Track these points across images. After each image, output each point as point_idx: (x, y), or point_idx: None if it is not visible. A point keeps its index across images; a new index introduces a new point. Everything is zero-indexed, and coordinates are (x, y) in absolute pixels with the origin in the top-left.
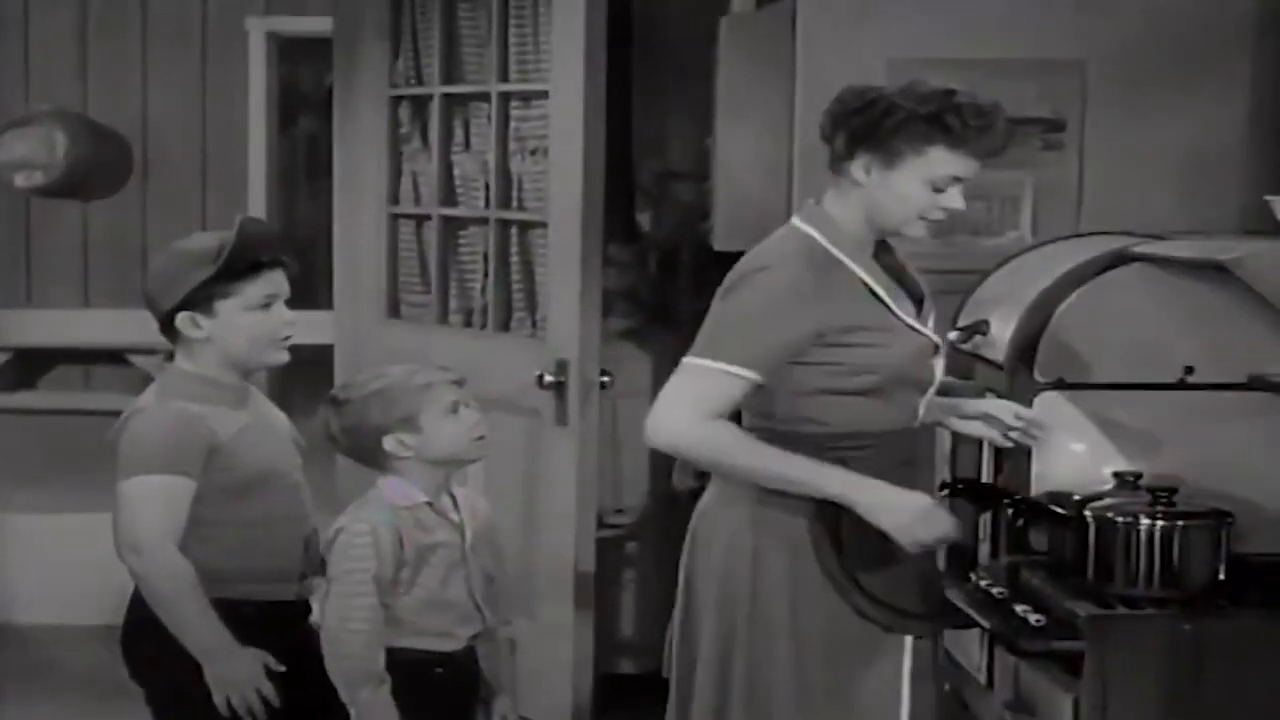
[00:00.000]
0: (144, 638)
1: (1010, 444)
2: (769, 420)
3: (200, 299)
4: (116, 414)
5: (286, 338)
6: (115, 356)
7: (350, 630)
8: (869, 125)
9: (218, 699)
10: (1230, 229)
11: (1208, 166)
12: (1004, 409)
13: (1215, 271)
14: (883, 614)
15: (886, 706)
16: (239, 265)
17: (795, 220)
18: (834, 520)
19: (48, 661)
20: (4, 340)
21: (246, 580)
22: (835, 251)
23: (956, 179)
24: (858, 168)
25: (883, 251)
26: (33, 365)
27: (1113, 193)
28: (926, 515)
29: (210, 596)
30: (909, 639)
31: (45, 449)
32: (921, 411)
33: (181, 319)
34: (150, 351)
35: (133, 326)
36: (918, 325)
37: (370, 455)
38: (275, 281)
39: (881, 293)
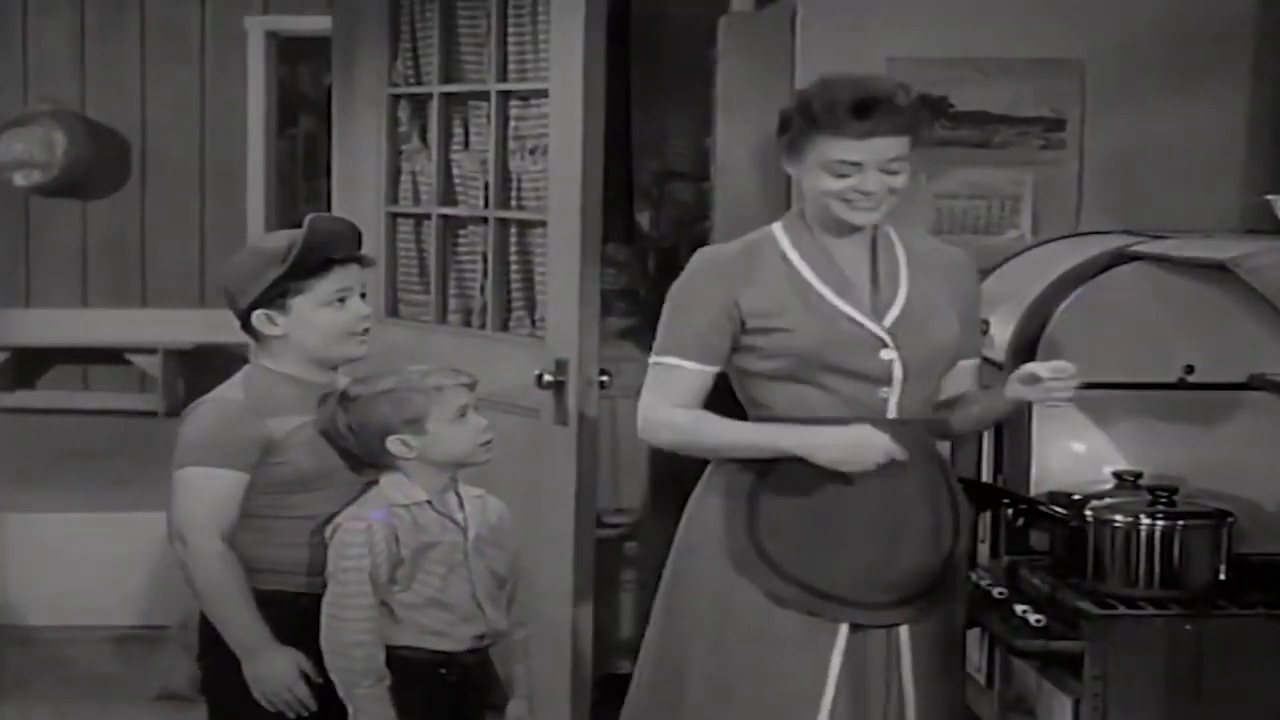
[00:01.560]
0: (211, 626)
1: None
2: (744, 405)
3: (274, 297)
4: (115, 413)
5: (364, 331)
6: (114, 356)
7: (346, 626)
8: (778, 127)
9: (255, 693)
10: (1230, 228)
11: (1207, 165)
12: (1040, 368)
13: (1215, 271)
14: (800, 596)
15: (804, 701)
16: (310, 263)
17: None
18: (751, 497)
19: (45, 662)
20: (3, 340)
21: (305, 573)
22: (781, 239)
23: (849, 163)
24: (787, 164)
25: (879, 247)
26: (31, 365)
27: (1112, 192)
28: (861, 442)
29: (268, 588)
30: (843, 631)
31: (44, 448)
32: (893, 405)
33: (257, 317)
34: (149, 351)
35: (131, 326)
36: (857, 316)
37: (375, 453)
38: (348, 276)
39: (813, 279)
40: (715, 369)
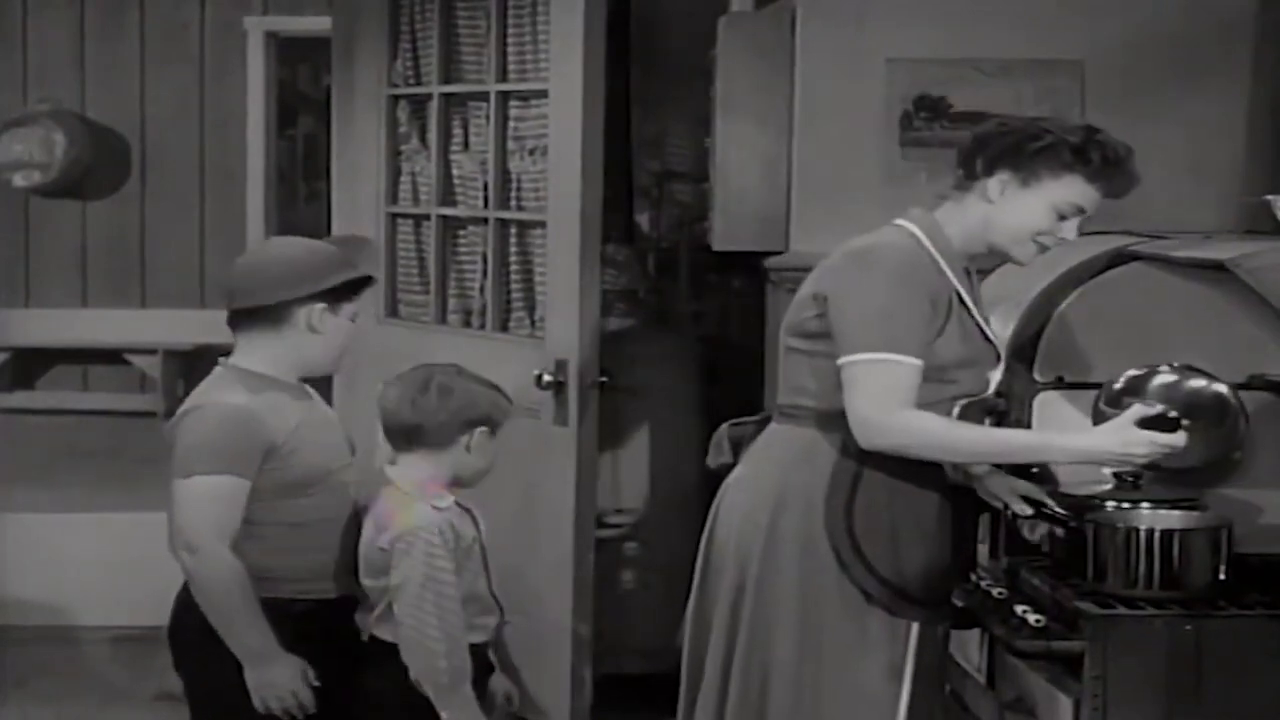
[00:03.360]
0: (191, 631)
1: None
2: (801, 396)
3: (330, 299)
4: (114, 414)
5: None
6: (113, 356)
7: (446, 631)
8: (1015, 145)
9: (256, 701)
10: (1230, 229)
11: (1207, 166)
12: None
13: (1215, 271)
14: (886, 596)
15: (885, 694)
16: (362, 277)
17: (900, 221)
18: (848, 500)
19: (44, 662)
20: (2, 340)
21: (297, 579)
22: (930, 248)
23: (1081, 210)
24: (994, 185)
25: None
26: (31, 365)
27: None
28: (1135, 440)
29: (261, 595)
30: (915, 629)
31: (43, 448)
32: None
33: (314, 311)
34: (149, 351)
35: (131, 326)
36: (992, 336)
37: (445, 435)
38: (364, 299)
39: (964, 294)
40: (922, 365)
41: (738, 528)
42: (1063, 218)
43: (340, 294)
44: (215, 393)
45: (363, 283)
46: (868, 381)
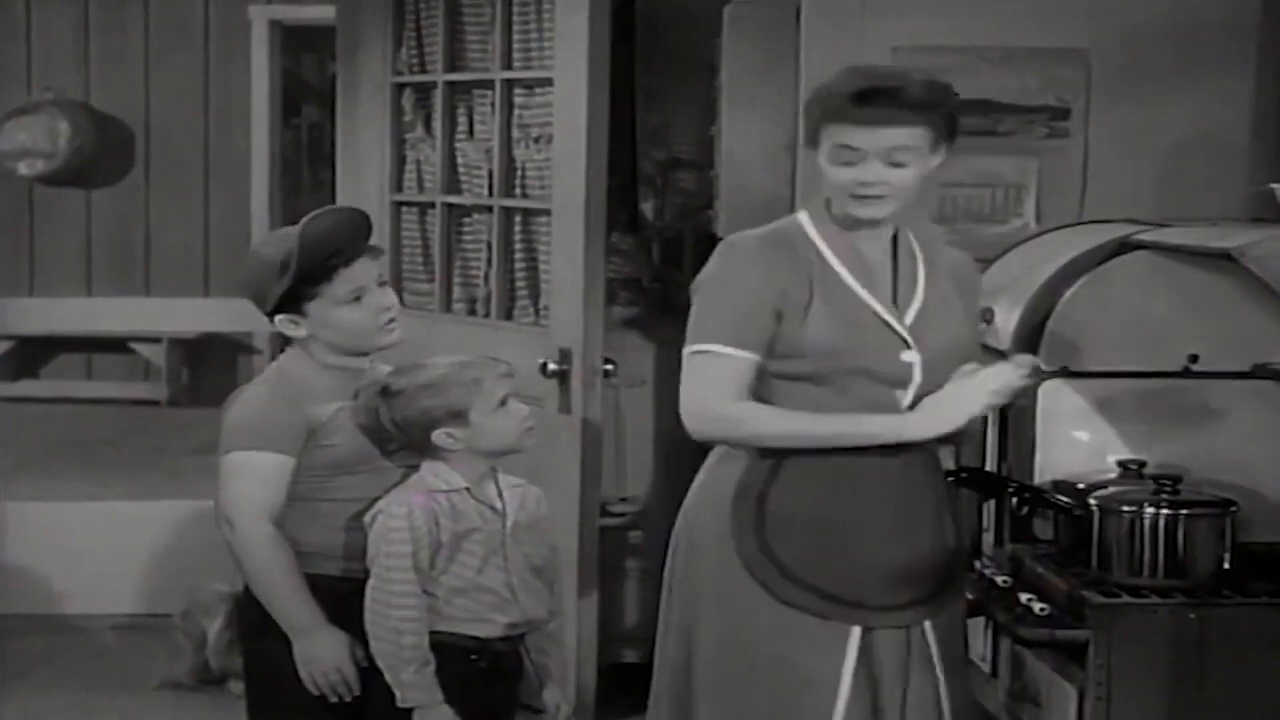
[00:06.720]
0: (250, 612)
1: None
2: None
3: (287, 305)
4: (118, 402)
5: (390, 320)
6: (117, 344)
7: (391, 612)
8: (804, 126)
9: (303, 675)
10: (1235, 217)
11: (1212, 154)
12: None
13: (1220, 260)
14: (810, 599)
15: (818, 704)
16: (311, 270)
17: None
18: (759, 499)
19: (48, 651)
20: (6, 329)
21: (345, 557)
22: (809, 229)
23: (849, 148)
24: (819, 161)
25: (899, 248)
26: (35, 354)
27: (1117, 180)
28: (977, 388)
29: (312, 572)
30: (855, 632)
31: (47, 437)
32: (906, 409)
33: (280, 322)
34: (153, 339)
35: (135, 315)
36: (883, 313)
37: (422, 445)
38: (359, 273)
39: (842, 272)
40: (756, 357)
41: (672, 550)
42: (847, 164)
43: (296, 297)
44: (264, 375)
45: (327, 269)
46: (693, 374)
